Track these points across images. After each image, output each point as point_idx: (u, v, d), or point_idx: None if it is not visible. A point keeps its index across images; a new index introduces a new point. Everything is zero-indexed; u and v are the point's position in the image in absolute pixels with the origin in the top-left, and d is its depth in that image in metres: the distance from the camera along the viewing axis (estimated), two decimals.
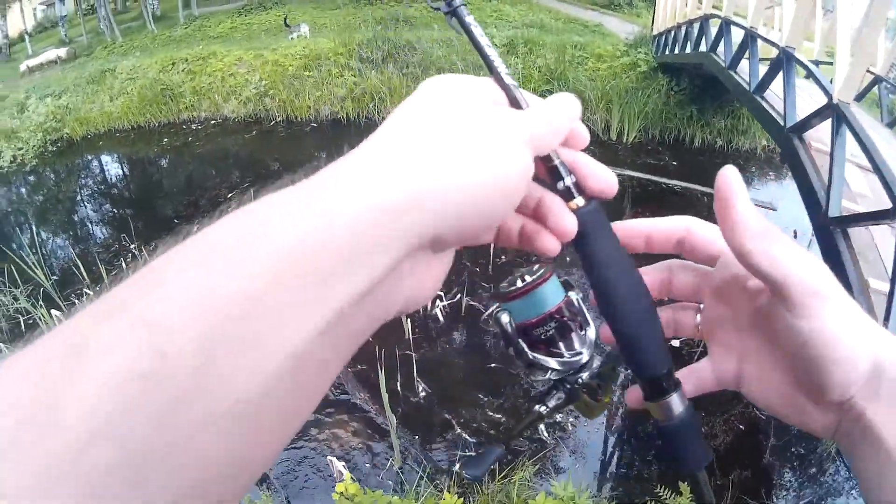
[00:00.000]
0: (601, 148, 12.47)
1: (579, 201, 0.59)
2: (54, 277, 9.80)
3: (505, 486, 4.96)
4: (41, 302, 8.55)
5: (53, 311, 8.24)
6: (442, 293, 7.71)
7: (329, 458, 5.47)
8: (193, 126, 17.73)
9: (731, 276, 0.59)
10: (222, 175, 14.36)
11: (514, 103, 0.56)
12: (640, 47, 13.92)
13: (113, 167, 17.95)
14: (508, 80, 0.59)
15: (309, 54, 16.43)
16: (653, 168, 11.30)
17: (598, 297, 0.60)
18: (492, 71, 0.60)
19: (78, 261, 9.68)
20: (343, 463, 5.35)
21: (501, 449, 1.17)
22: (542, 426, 5.95)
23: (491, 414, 6.29)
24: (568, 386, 0.82)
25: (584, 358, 0.79)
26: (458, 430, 6.13)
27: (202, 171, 15.37)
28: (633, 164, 11.50)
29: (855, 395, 0.51)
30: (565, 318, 0.78)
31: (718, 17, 9.40)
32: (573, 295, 0.80)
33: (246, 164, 14.77)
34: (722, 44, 9.17)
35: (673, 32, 11.80)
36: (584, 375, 0.80)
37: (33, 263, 9.00)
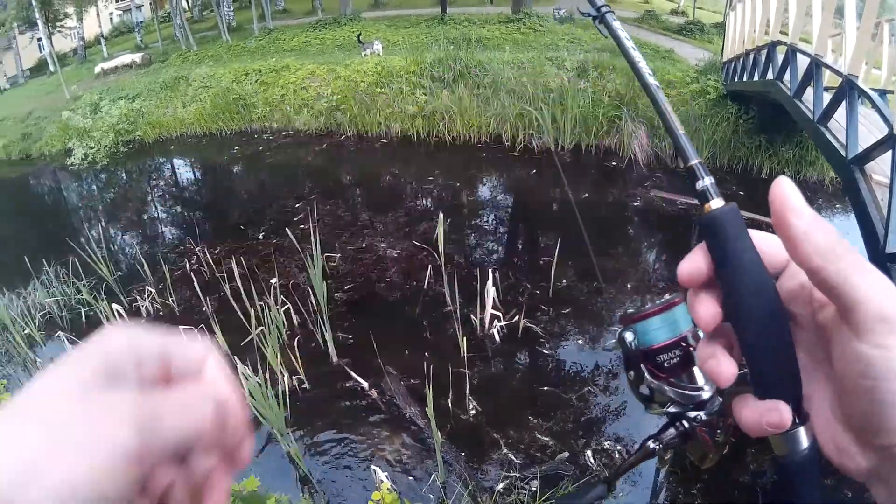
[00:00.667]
0: (669, 175, 12.39)
1: (716, 202, 0.59)
2: (118, 273, 10.01)
3: None
4: (103, 295, 8.81)
5: (115, 305, 8.51)
6: (500, 314, 7.68)
7: (373, 467, 5.51)
8: (265, 136, 18.10)
9: (798, 286, 0.56)
10: (291, 185, 14.51)
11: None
12: (709, 74, 13.81)
13: (183, 171, 18.42)
14: (651, 80, 0.66)
15: (381, 71, 16.62)
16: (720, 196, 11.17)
17: (730, 306, 0.57)
18: (638, 77, 0.66)
19: (143, 259, 9.95)
20: (386, 473, 5.37)
21: (603, 489, 1.10)
22: (588, 452, 5.97)
23: (539, 437, 6.21)
24: (685, 423, 0.79)
25: (706, 395, 0.76)
26: (505, 451, 6.07)
27: (271, 181, 15.58)
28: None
29: None
30: (691, 348, 0.74)
31: (784, 44, 9.23)
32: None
33: (315, 176, 14.93)
34: (788, 71, 9.01)
35: (742, 60, 11.64)
36: (703, 414, 0.77)
37: (98, 258, 9.27)
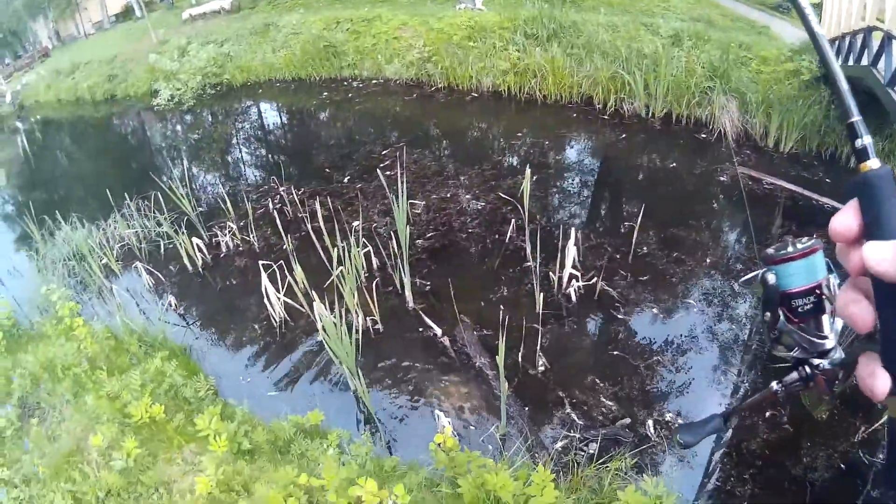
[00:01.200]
0: (757, 153, 12.11)
1: (874, 163, 0.67)
2: (200, 209, 10.30)
3: (599, 472, 4.94)
4: (184, 229, 9.08)
5: (195, 239, 8.84)
6: (579, 274, 7.66)
7: (436, 412, 5.70)
8: (354, 84, 18.26)
9: None
10: (378, 133, 14.68)
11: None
12: (804, 55, 13.49)
13: (270, 114, 18.68)
14: (818, 29, 0.74)
15: (474, 25, 16.51)
16: (806, 182, 10.92)
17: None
18: (806, 24, 0.75)
19: (225, 196, 10.15)
20: (449, 420, 5.51)
21: (720, 422, 1.14)
22: (650, 422, 5.94)
23: (604, 401, 6.21)
24: (807, 369, 0.86)
25: (829, 344, 0.83)
26: (569, 410, 6.09)
27: (359, 127, 15.68)
28: (787, 175, 11.14)
29: None
30: (825, 297, 0.81)
31: (881, 30, 8.92)
32: (833, 278, 0.82)
33: (403, 125, 15.03)
34: (883, 59, 8.74)
35: (837, 43, 11.32)
36: (825, 363, 0.84)
37: (180, 194, 9.48)
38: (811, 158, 11.99)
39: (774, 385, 0.91)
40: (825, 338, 0.82)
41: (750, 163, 11.78)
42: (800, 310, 0.81)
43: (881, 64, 8.82)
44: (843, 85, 0.77)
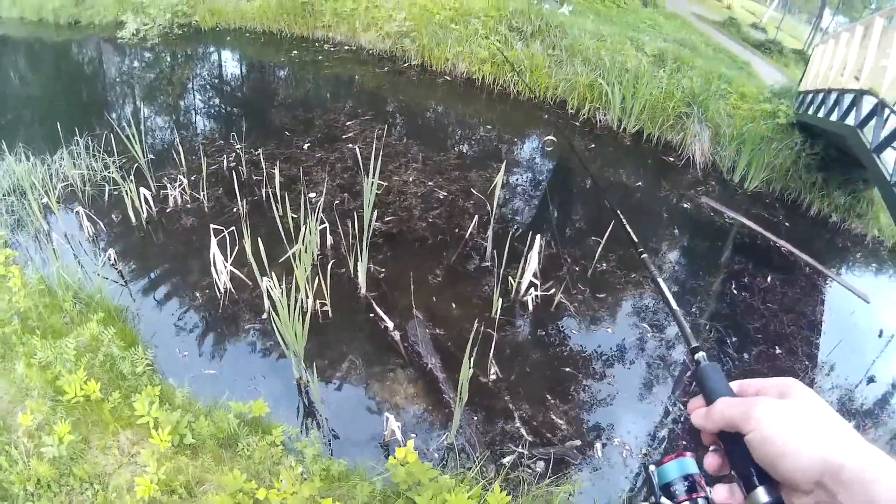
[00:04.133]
0: (721, 186, 12.13)
1: (703, 359, 1.02)
2: (151, 157, 9.72)
3: (548, 493, 4.80)
4: (132, 177, 8.49)
5: (142, 189, 8.30)
6: (538, 282, 7.44)
7: (386, 414, 5.36)
8: (326, 46, 17.65)
9: None
10: (343, 101, 14.07)
11: None
12: (783, 98, 13.52)
13: (235, 65, 18.05)
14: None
15: (460, 7, 16.05)
16: (766, 222, 10.97)
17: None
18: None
19: (179, 146, 9.60)
20: (399, 424, 5.25)
21: None
22: (598, 445, 5.81)
23: (554, 418, 6.02)
24: None
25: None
26: (518, 424, 5.87)
27: (324, 93, 15.21)
28: (747, 213, 11.21)
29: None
30: (697, 482, 0.98)
31: (875, 96, 8.86)
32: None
33: (370, 98, 14.49)
34: (872, 124, 8.68)
35: (822, 95, 11.29)
36: None
37: (133, 137, 8.85)
38: (773, 200, 12.11)
39: None
40: None
41: (714, 194, 11.79)
42: (677, 492, 0.99)
43: (868, 127, 8.81)
44: (683, 321, 1.14)
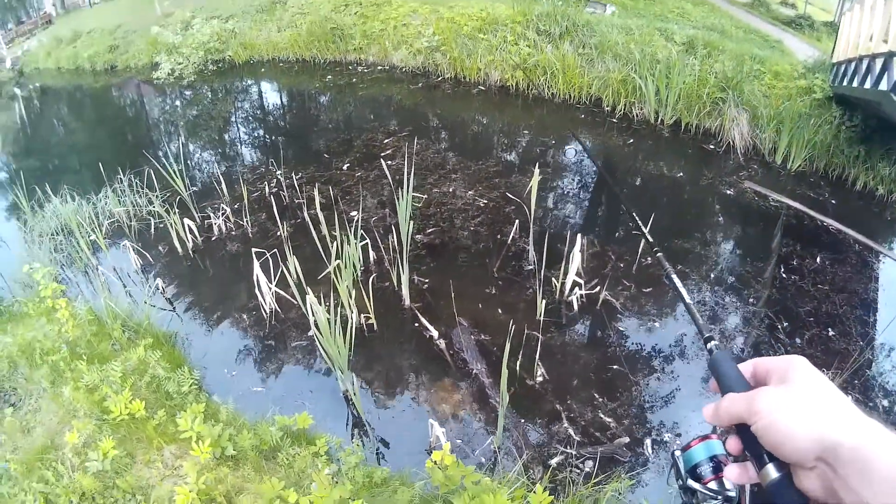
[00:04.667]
0: (764, 169, 11.96)
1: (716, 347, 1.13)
2: (193, 189, 10.01)
3: (595, 492, 4.78)
4: (175, 209, 8.77)
5: (186, 220, 8.54)
6: (582, 281, 7.46)
7: (430, 421, 5.41)
8: (359, 69, 17.96)
9: None
10: (381, 120, 14.34)
11: None
12: (817, 73, 13.30)
13: (271, 95, 18.37)
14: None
15: (486, 17, 16.17)
16: (811, 202, 10.78)
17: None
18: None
19: (220, 177, 9.89)
20: (443, 430, 5.25)
21: None
22: (648, 442, 5.77)
23: (602, 416, 6.00)
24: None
25: (732, 493, 1.12)
26: (566, 425, 5.87)
27: (361, 113, 15.38)
28: (793, 193, 11.01)
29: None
30: (721, 462, 1.14)
31: None
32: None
33: (406, 114, 14.69)
34: None
35: (854, 64, 10.97)
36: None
37: (174, 172, 9.14)
38: (818, 178, 11.86)
39: None
40: (728, 489, 1.12)
41: (757, 178, 11.63)
42: (703, 473, 1.13)
43: None
44: (696, 313, 1.28)
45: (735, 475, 0.96)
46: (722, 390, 0.99)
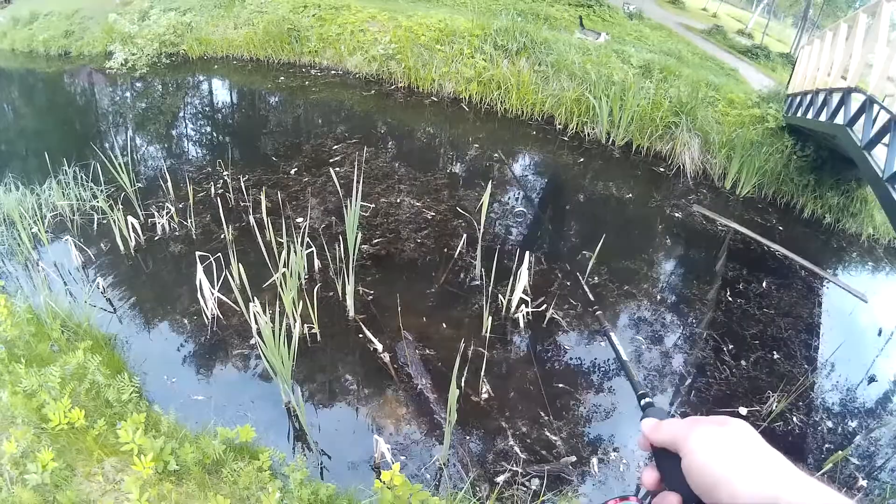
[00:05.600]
0: (714, 193, 12.14)
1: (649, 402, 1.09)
2: (139, 185, 9.72)
3: None
4: (120, 205, 8.51)
5: (130, 218, 8.26)
6: (528, 299, 7.40)
7: (375, 436, 5.29)
8: (312, 72, 17.71)
9: None
10: (331, 126, 14.11)
11: None
12: (771, 102, 13.51)
13: (223, 93, 18.03)
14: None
15: (444, 28, 16.12)
16: (759, 227, 10.96)
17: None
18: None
19: (167, 174, 9.61)
20: (388, 446, 5.18)
21: None
22: (594, 460, 5.74)
23: (548, 435, 5.94)
24: None
25: None
26: (512, 442, 5.80)
27: (311, 118, 15.18)
28: (741, 219, 11.18)
29: None
30: None
31: (863, 93, 8.71)
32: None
33: (358, 121, 14.43)
34: (861, 121, 8.51)
35: (810, 97, 11.21)
36: None
37: (120, 167, 8.89)
38: (766, 204, 12.10)
39: None
40: None
41: (706, 202, 11.74)
42: None
43: (857, 125, 8.69)
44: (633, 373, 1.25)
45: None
46: (652, 449, 0.93)
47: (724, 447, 0.77)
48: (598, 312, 1.25)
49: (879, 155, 7.77)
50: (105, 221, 8.81)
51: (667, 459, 0.86)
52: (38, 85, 20.17)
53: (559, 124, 14.20)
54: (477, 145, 13.43)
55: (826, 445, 6.44)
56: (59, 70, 20.56)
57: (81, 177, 9.78)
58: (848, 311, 9.26)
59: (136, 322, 7.30)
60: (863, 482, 5.97)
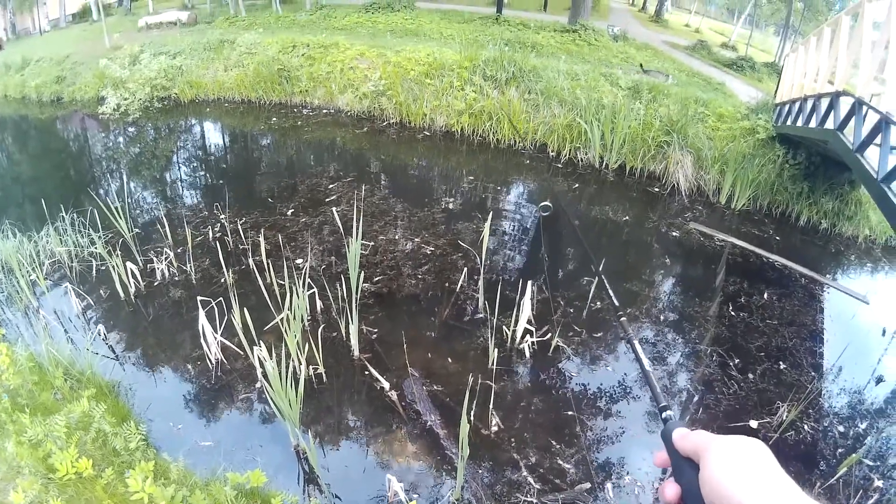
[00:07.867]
0: (709, 209, 12.20)
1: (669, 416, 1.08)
2: (137, 230, 9.78)
3: None
4: (118, 251, 8.52)
5: (129, 264, 8.27)
6: (533, 329, 7.41)
7: (388, 476, 5.26)
8: (304, 111, 17.91)
9: None
10: (325, 165, 14.21)
11: None
12: (760, 113, 13.58)
13: (215, 135, 18.12)
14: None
15: (433, 62, 16.32)
16: (756, 239, 11.01)
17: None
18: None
19: (164, 219, 9.65)
20: (401, 484, 5.16)
21: None
22: (609, 486, 5.68)
23: (560, 463, 5.91)
24: None
25: None
26: (525, 473, 5.77)
27: (305, 158, 15.29)
28: (738, 232, 11.24)
29: None
30: None
31: (851, 96, 8.72)
32: None
33: (352, 159, 14.59)
34: (852, 124, 8.50)
35: (798, 104, 11.27)
36: None
37: (118, 213, 8.96)
38: (762, 216, 12.15)
39: None
40: None
41: (702, 219, 11.79)
42: None
43: (848, 129, 8.66)
44: (654, 384, 1.20)
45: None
46: (672, 462, 0.97)
47: (739, 465, 0.80)
48: (622, 319, 1.21)
49: (872, 156, 7.75)
50: (104, 267, 8.84)
51: (688, 472, 0.89)
52: (31, 131, 20.32)
53: (552, 151, 14.33)
54: (471, 177, 13.50)
55: (839, 450, 6.41)
56: (51, 116, 20.75)
57: (79, 223, 9.83)
58: (850, 314, 9.29)
59: (140, 369, 7.29)
60: (878, 483, 5.95)
